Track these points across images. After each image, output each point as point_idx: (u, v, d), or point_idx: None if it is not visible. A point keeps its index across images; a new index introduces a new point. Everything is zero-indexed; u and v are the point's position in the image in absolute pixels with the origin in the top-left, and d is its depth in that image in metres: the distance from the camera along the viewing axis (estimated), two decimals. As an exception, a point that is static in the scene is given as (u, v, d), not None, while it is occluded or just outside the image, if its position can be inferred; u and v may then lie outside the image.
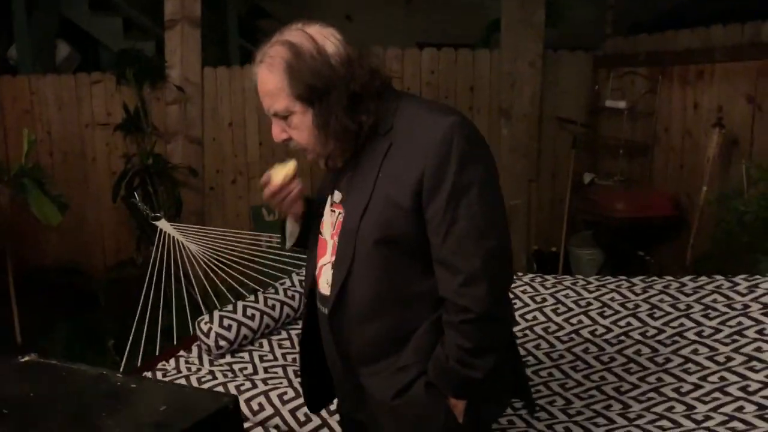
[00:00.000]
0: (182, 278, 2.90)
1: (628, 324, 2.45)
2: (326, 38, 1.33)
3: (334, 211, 1.43)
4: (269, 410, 1.98)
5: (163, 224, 2.97)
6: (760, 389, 1.92)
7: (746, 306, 2.33)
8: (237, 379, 2.20)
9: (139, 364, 2.59)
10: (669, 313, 2.43)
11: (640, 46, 4.42)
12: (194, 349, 2.48)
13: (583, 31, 5.03)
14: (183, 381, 2.22)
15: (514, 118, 4.59)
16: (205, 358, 2.42)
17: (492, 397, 1.42)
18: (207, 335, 2.40)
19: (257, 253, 3.26)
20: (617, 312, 2.52)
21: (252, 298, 2.62)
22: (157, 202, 3.99)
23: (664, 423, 1.86)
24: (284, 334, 2.61)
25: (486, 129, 4.62)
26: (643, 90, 4.32)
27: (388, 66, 4.42)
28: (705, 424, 1.81)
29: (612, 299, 2.60)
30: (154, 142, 4.19)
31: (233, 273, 2.98)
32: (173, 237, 2.95)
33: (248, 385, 2.10)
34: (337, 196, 1.44)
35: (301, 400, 1.96)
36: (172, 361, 2.37)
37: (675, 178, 4.11)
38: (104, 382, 1.64)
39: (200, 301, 2.89)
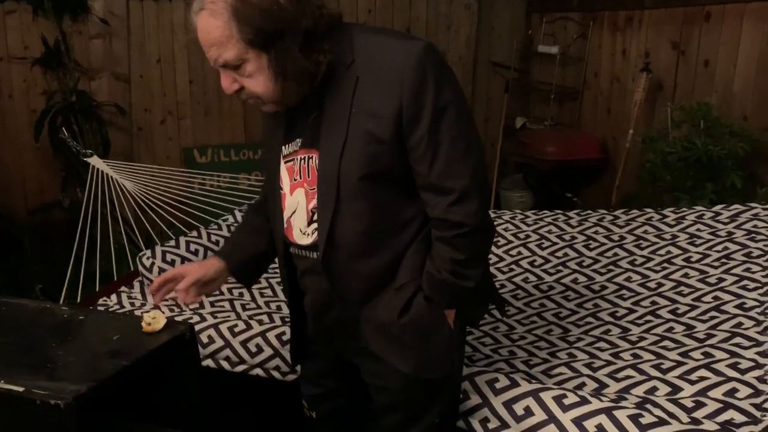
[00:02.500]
0: (119, 218, 2.81)
1: (566, 255, 2.57)
2: None
3: (299, 159, 1.37)
4: (219, 342, 1.97)
5: (95, 161, 2.85)
6: (688, 311, 2.07)
7: (674, 236, 2.48)
8: (184, 313, 2.18)
9: (78, 301, 2.51)
10: (603, 244, 2.57)
11: (573, -8, 4.50)
12: (136, 284, 2.43)
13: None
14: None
15: (449, 60, 4.59)
16: (147, 292, 2.38)
17: (478, 301, 1.49)
18: (149, 270, 2.34)
19: (191, 195, 3.20)
20: (555, 243, 2.64)
21: (195, 233, 2.58)
22: (83, 141, 3.81)
23: (602, 344, 1.98)
24: None
25: (422, 72, 4.63)
26: (575, 36, 4.42)
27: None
28: (639, 344, 1.94)
29: (549, 231, 2.71)
30: (78, 78, 3.97)
31: (171, 210, 2.91)
32: (106, 175, 2.84)
33: (196, 318, 2.09)
34: (299, 142, 1.38)
35: (250, 332, 1.97)
36: (113, 297, 2.32)
37: (603, 122, 4.27)
38: (49, 315, 1.60)
39: (138, 240, 2.81)
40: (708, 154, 3.07)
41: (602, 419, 1.47)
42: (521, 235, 2.69)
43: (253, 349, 1.94)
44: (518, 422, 1.54)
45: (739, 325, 1.92)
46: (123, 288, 2.40)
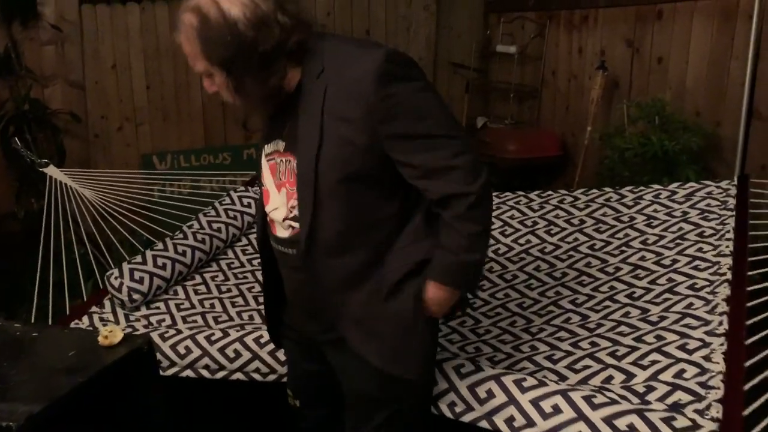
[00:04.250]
0: (81, 229, 2.73)
1: (528, 242, 2.60)
2: (233, 3, 1.33)
3: (281, 161, 1.47)
4: (197, 352, 1.97)
5: (52, 170, 2.78)
6: (643, 294, 2.12)
7: (632, 218, 2.54)
8: (159, 328, 2.15)
9: (50, 324, 2.44)
10: (564, 229, 2.61)
11: (529, -8, 4.55)
12: (106, 303, 2.39)
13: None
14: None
15: (409, 62, 4.61)
16: (120, 311, 2.34)
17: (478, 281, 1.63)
18: (119, 290, 2.32)
19: (153, 200, 3.14)
20: (517, 230, 2.67)
21: (160, 246, 2.53)
22: (38, 150, 3.71)
23: (563, 334, 2.01)
24: (198, 279, 2.57)
25: (382, 73, 4.63)
26: (532, 35, 4.47)
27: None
28: (597, 332, 1.99)
29: (511, 217, 2.75)
30: (30, 86, 3.86)
31: (133, 217, 2.85)
32: (64, 184, 2.76)
33: (172, 332, 2.07)
34: (280, 145, 1.47)
35: (228, 339, 1.97)
36: (85, 319, 2.27)
37: (562, 120, 4.33)
38: (1, 333, 1.55)
39: (103, 250, 2.74)
40: (663, 149, 3.14)
41: (558, 399, 1.55)
42: None
43: (231, 355, 1.96)
44: (482, 405, 1.62)
45: (690, 305, 1.98)
46: (94, 308, 2.36)
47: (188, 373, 1.99)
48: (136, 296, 2.33)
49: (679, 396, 1.58)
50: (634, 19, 3.72)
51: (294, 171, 1.42)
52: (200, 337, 1.99)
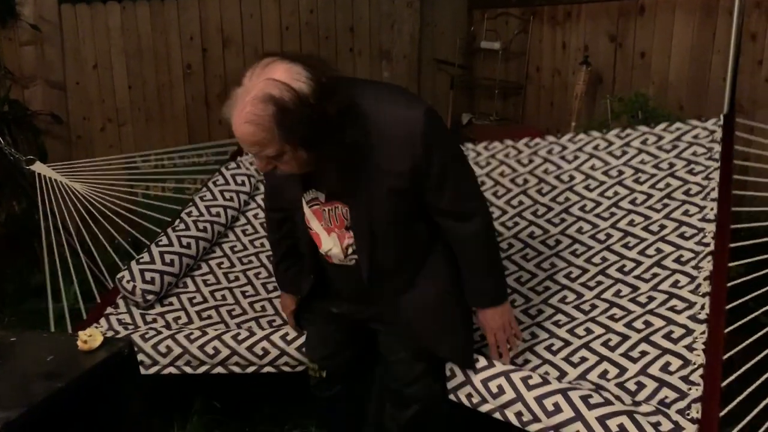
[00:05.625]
0: (69, 227, 2.70)
1: (520, 203, 2.61)
2: (298, 81, 1.44)
3: (326, 209, 1.70)
4: (226, 351, 2.08)
5: (39, 167, 2.73)
6: (633, 269, 2.17)
7: (621, 172, 2.54)
8: (184, 330, 2.18)
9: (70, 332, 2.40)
10: (555, 188, 2.61)
11: (512, -12, 4.56)
12: (120, 302, 2.41)
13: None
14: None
15: (394, 60, 4.61)
16: (136, 312, 2.36)
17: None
18: (132, 293, 2.34)
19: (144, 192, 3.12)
20: (509, 190, 2.68)
21: (165, 240, 2.54)
22: (18, 152, 3.66)
23: (560, 318, 2.10)
24: (205, 267, 2.60)
25: (368, 71, 4.61)
26: (516, 31, 4.47)
27: (263, 5, 4.28)
28: (591, 315, 2.05)
29: (502, 174, 2.75)
30: (9, 87, 3.82)
31: (129, 207, 2.81)
32: (54, 181, 2.72)
33: (198, 333, 2.13)
34: (321, 195, 1.69)
35: (255, 338, 2.08)
36: (103, 321, 2.29)
37: (546, 115, 4.34)
38: (-22, 338, 1.53)
39: (93, 252, 2.70)
40: (647, 143, 3.14)
41: (558, 398, 1.68)
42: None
43: (260, 353, 2.08)
44: (494, 399, 1.78)
45: (676, 283, 2.03)
46: (110, 309, 2.37)
47: (171, 370, 2.08)
48: (149, 297, 2.36)
49: (666, 393, 1.68)
50: (617, 14, 3.73)
51: (342, 216, 1.67)
52: (227, 337, 2.10)
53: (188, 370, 2.10)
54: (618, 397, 1.70)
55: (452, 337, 1.80)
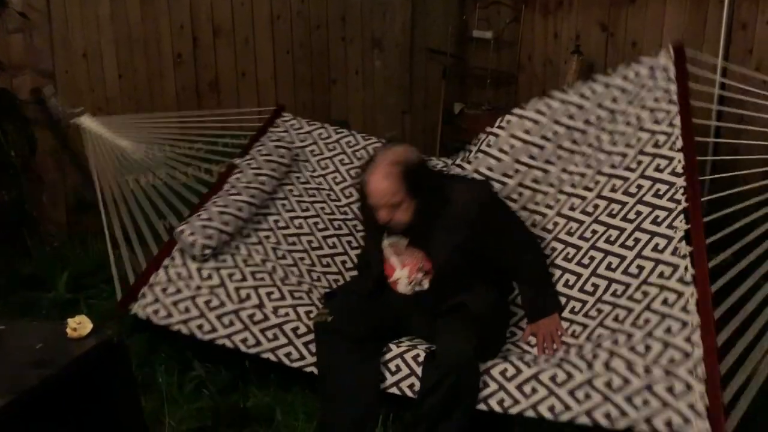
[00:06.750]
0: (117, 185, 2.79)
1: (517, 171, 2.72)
2: (413, 153, 2.25)
3: (402, 252, 2.29)
4: (239, 326, 2.31)
5: (85, 121, 2.74)
6: (618, 237, 2.36)
7: (599, 139, 2.64)
8: (203, 295, 2.37)
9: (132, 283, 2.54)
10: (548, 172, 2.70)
11: (504, -23, 4.54)
12: (176, 255, 2.54)
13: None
14: (186, 296, 2.39)
15: (386, 49, 4.59)
16: (191, 264, 2.50)
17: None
18: (193, 246, 2.48)
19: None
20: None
21: (222, 201, 2.66)
22: (7, 141, 3.64)
23: (574, 305, 2.37)
24: (254, 238, 2.68)
25: (360, 60, 4.60)
26: (508, 20, 4.46)
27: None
28: (597, 295, 2.31)
29: (489, 144, 2.84)
30: (-3, 75, 3.79)
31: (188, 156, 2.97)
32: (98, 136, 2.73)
33: (216, 302, 2.37)
34: (403, 241, 2.29)
35: (269, 323, 2.32)
36: (161, 272, 2.47)
37: (538, 105, 4.32)
38: (-34, 327, 1.52)
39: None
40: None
41: (587, 389, 1.98)
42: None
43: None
44: (527, 399, 2.03)
45: (656, 247, 2.18)
46: (166, 261, 2.51)
47: (181, 327, 2.34)
48: (207, 251, 2.51)
49: (671, 354, 1.91)
50: (609, 3, 3.73)
51: (418, 257, 2.26)
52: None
53: (198, 333, 2.29)
54: (628, 381, 1.91)
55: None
